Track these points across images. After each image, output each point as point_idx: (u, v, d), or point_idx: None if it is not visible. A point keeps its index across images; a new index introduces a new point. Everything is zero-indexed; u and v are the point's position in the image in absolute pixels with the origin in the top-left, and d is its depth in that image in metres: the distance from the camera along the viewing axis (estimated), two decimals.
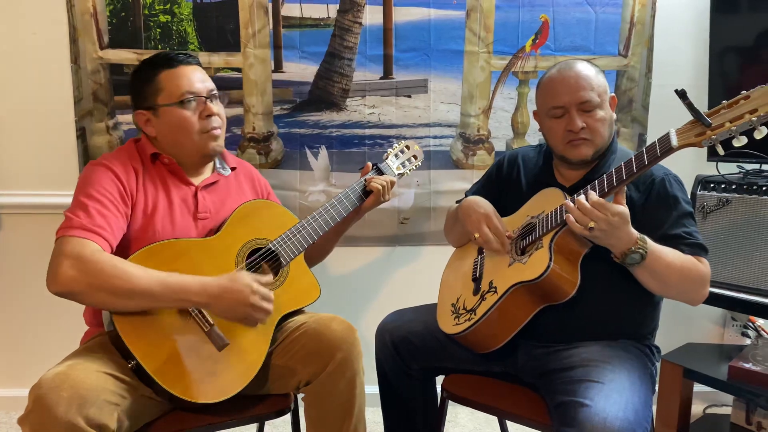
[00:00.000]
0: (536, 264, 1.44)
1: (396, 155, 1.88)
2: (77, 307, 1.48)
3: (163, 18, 2.18)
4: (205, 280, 1.38)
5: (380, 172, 1.80)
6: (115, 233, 1.40)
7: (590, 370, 1.37)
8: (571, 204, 1.39)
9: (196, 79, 1.55)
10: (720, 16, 2.09)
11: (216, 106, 1.56)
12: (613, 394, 1.28)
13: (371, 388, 1.65)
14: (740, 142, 1.22)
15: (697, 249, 1.46)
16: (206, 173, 1.64)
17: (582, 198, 1.37)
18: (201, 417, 1.41)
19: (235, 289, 1.39)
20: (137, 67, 1.59)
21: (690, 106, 1.26)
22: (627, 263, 1.38)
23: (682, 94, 1.25)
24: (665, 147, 1.31)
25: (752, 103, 1.20)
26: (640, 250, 1.35)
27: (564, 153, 1.56)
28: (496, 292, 1.50)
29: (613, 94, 1.58)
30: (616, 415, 1.23)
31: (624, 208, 1.34)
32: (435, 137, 2.32)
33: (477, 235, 1.61)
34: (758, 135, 1.19)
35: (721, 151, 1.25)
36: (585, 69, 1.54)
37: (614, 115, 1.58)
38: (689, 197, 1.57)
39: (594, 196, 1.35)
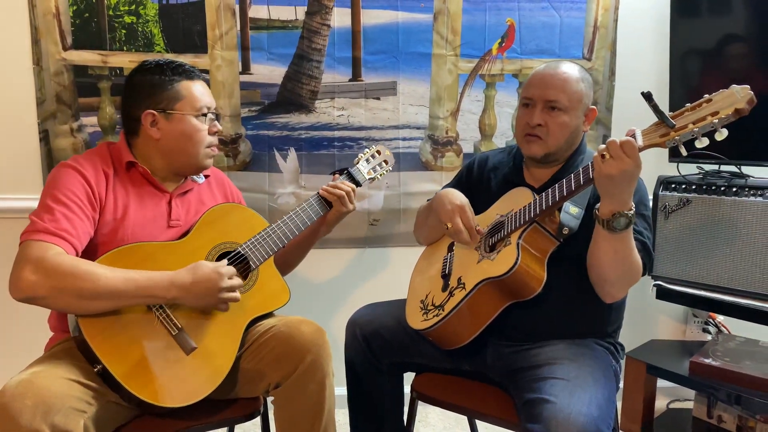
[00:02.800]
0: (504, 260, 1.47)
1: (367, 160, 1.88)
2: (42, 314, 1.45)
3: (128, 19, 2.15)
4: (172, 274, 1.38)
5: (351, 177, 1.80)
6: (80, 237, 1.38)
7: (556, 367, 1.39)
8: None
9: (210, 96, 1.60)
10: (680, 20, 2.14)
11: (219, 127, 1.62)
12: (577, 390, 1.31)
13: (341, 389, 1.65)
14: (702, 143, 1.25)
15: (639, 246, 1.44)
16: (181, 180, 1.63)
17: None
18: (170, 422, 1.39)
19: (203, 277, 1.39)
20: (149, 67, 1.55)
21: (655, 108, 1.29)
22: (612, 225, 1.33)
23: (647, 96, 1.28)
24: None
25: (714, 106, 1.23)
26: (631, 215, 1.33)
27: (520, 145, 1.64)
28: (464, 288, 1.52)
29: (593, 107, 1.59)
30: (580, 410, 1.25)
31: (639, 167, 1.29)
32: (404, 139, 2.33)
33: (449, 225, 1.61)
34: (719, 137, 1.23)
35: (684, 152, 1.28)
36: (568, 72, 1.55)
37: (585, 127, 1.60)
38: (649, 200, 1.61)
39: (630, 139, 1.28)
